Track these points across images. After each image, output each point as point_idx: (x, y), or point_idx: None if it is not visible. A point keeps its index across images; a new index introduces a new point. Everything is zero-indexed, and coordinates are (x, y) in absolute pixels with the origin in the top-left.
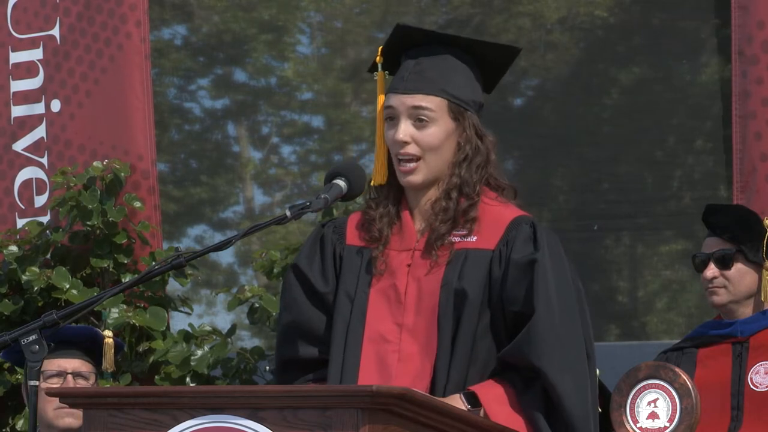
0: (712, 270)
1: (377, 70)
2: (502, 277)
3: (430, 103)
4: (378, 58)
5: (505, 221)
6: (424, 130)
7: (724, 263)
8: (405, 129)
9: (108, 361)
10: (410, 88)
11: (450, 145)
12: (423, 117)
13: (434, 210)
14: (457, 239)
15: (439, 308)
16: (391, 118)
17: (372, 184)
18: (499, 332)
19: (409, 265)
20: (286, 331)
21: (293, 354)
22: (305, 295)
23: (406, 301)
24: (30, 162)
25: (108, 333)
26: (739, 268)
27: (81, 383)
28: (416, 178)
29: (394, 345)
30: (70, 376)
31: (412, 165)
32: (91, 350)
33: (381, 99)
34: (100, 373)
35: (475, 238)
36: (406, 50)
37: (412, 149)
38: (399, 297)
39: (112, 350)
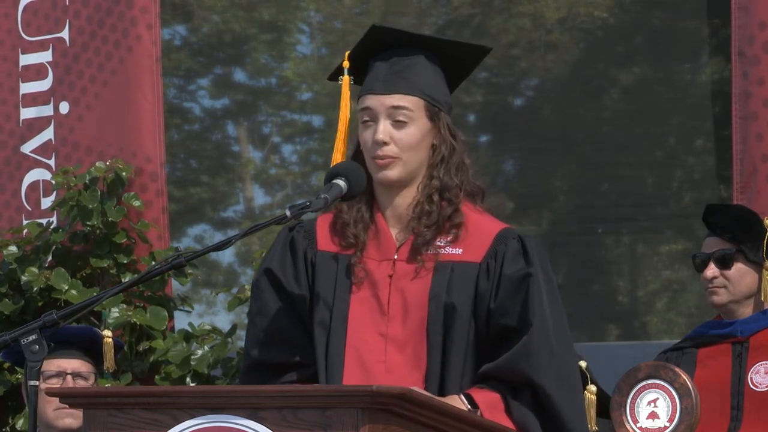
0: (712, 270)
1: (342, 75)
2: (492, 291)
3: (409, 102)
4: (345, 62)
5: (490, 234)
6: (402, 129)
7: (724, 263)
8: (384, 129)
9: (108, 361)
10: (388, 88)
11: (426, 145)
12: (401, 117)
13: (415, 214)
14: (442, 249)
15: (429, 321)
16: (369, 119)
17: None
18: (481, 345)
19: (390, 276)
20: (259, 335)
21: (266, 358)
22: (279, 300)
23: (390, 312)
24: (38, 164)
25: (107, 333)
26: (739, 268)
27: (81, 383)
28: (393, 172)
29: (379, 355)
30: (69, 377)
31: (388, 160)
32: (91, 350)
33: (346, 102)
34: (99, 373)
35: (461, 250)
36: (376, 53)
37: (390, 150)
38: (382, 308)
39: (113, 350)
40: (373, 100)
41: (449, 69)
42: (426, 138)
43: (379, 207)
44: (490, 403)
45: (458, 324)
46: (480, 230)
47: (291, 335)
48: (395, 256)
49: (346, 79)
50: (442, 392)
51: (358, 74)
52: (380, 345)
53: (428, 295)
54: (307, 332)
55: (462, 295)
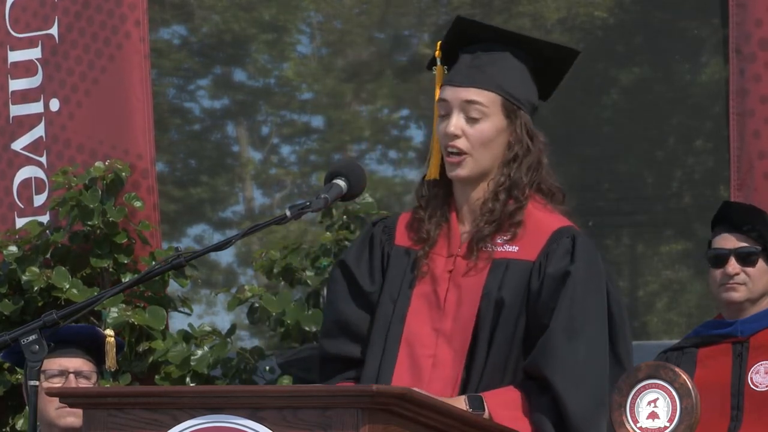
0: (734, 266)
1: (435, 65)
2: (538, 290)
3: (484, 98)
4: (437, 52)
5: (547, 232)
6: (475, 125)
7: (749, 260)
8: (456, 122)
9: (110, 360)
10: (465, 81)
11: (500, 143)
12: (475, 112)
13: (482, 211)
14: (498, 246)
15: (479, 317)
16: (445, 111)
17: (426, 178)
18: (530, 344)
19: (450, 271)
20: (329, 327)
21: (334, 351)
22: (350, 293)
23: (445, 307)
24: (29, 161)
25: (109, 332)
26: (760, 267)
27: (83, 382)
28: (463, 171)
29: (429, 350)
30: (72, 376)
31: (460, 157)
32: (92, 349)
33: (438, 88)
34: (100, 372)
35: (517, 248)
36: (464, 45)
37: (461, 143)
38: (439, 302)
39: (114, 349)
40: (449, 93)
41: (540, 70)
42: (501, 135)
43: (455, 204)
44: (501, 402)
45: (505, 320)
46: (538, 228)
47: (358, 329)
48: (457, 251)
49: (439, 69)
50: (480, 388)
51: (451, 63)
52: (432, 339)
53: (481, 292)
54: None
55: (513, 292)
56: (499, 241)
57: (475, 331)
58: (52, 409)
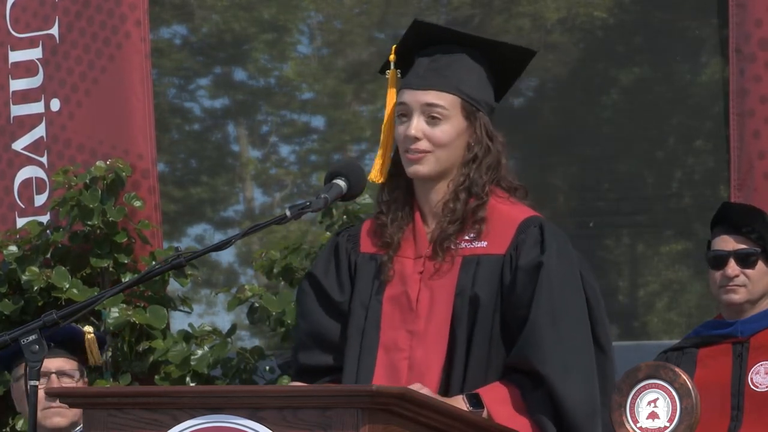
0: (733, 268)
1: (389, 68)
2: (511, 283)
3: (444, 100)
4: (392, 56)
5: (514, 223)
6: (436, 127)
7: (749, 262)
8: (417, 125)
9: (94, 356)
10: (425, 83)
11: (460, 144)
12: (436, 114)
13: (444, 212)
14: (466, 244)
15: (454, 316)
16: (404, 114)
17: (370, 179)
18: (509, 338)
19: (421, 272)
20: (301, 339)
21: (309, 362)
22: (320, 304)
23: (418, 309)
24: (30, 161)
25: (88, 328)
26: (759, 268)
27: (66, 381)
28: (423, 168)
29: (404, 353)
30: (54, 376)
31: (420, 155)
32: (73, 348)
33: (392, 95)
34: (87, 369)
35: (486, 243)
36: (421, 48)
37: (422, 145)
38: (411, 304)
39: (95, 344)
40: (408, 96)
41: (496, 71)
42: (461, 136)
43: (418, 206)
44: (498, 399)
45: (482, 317)
46: (504, 221)
47: (331, 339)
48: (425, 252)
49: (392, 73)
50: (465, 387)
51: (407, 68)
52: (407, 342)
53: (455, 290)
54: (345, 335)
55: (487, 288)
56: (466, 238)
57: (451, 329)
58: (39, 409)
